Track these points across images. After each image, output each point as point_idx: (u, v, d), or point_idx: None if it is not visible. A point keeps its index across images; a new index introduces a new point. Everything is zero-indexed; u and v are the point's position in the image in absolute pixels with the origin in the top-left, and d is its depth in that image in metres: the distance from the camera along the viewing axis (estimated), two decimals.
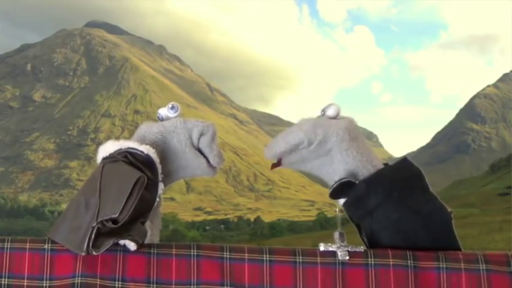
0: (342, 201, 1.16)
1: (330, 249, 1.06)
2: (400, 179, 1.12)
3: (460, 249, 1.10)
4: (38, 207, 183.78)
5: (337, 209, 1.14)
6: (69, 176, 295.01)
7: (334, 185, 1.13)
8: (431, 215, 1.10)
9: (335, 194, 1.14)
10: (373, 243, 1.12)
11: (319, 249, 1.07)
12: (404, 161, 1.16)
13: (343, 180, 1.12)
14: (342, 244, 1.07)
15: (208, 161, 1.18)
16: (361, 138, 1.18)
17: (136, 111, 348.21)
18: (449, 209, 1.11)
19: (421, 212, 1.10)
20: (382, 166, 1.16)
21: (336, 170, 1.15)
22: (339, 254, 1.05)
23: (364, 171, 1.14)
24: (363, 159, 1.14)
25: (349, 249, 1.06)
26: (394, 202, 1.09)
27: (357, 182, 1.12)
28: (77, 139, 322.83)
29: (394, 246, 1.08)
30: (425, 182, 1.12)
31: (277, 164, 1.21)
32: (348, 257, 1.04)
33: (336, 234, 1.08)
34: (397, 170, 1.14)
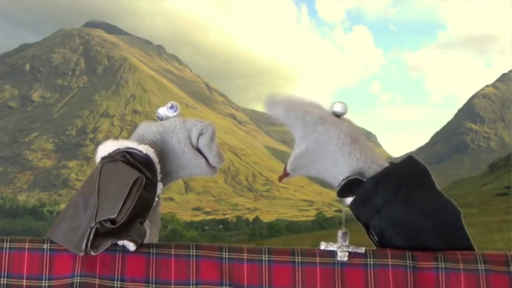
0: (348, 200, 1.15)
1: (331, 248, 1.06)
2: (407, 176, 1.12)
3: (470, 243, 1.10)
4: (36, 207, 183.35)
5: (343, 207, 1.12)
6: (67, 176, 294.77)
7: (342, 183, 1.13)
8: (440, 211, 1.10)
9: (342, 192, 1.14)
10: (383, 242, 1.11)
11: (318, 249, 1.07)
12: (410, 159, 1.16)
13: (351, 177, 1.12)
14: (344, 244, 1.06)
15: (207, 161, 1.17)
16: (362, 139, 1.18)
17: (135, 111, 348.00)
18: (458, 208, 1.11)
19: (429, 208, 1.09)
20: (387, 165, 1.16)
21: (340, 172, 1.15)
22: (339, 254, 1.05)
23: (370, 171, 1.14)
24: (367, 160, 1.14)
25: (350, 250, 1.05)
26: (403, 199, 1.09)
27: (364, 179, 1.12)
28: (76, 139, 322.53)
29: (404, 244, 1.07)
30: (432, 179, 1.13)
31: (284, 175, 1.21)
32: (346, 258, 1.04)
33: (339, 233, 1.07)
34: (404, 168, 1.14)
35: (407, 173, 1.12)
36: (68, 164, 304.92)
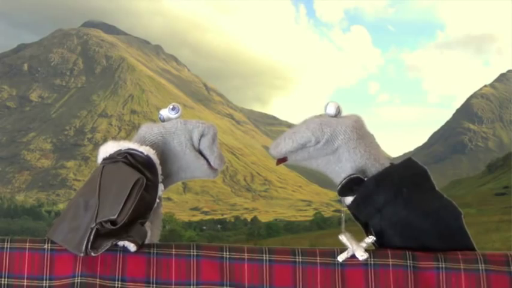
0: (348, 199, 1.15)
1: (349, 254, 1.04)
2: (408, 176, 1.12)
3: (471, 244, 1.10)
4: (34, 207, 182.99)
5: (342, 207, 1.13)
6: (65, 176, 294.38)
7: (343, 181, 1.13)
8: (440, 211, 1.10)
9: (343, 191, 1.14)
10: (382, 242, 1.11)
11: (318, 249, 1.06)
12: (409, 160, 1.17)
13: (352, 176, 1.12)
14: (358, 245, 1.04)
15: (208, 163, 1.17)
16: (368, 136, 1.18)
17: (133, 111, 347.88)
18: (459, 209, 1.10)
19: (429, 208, 1.09)
20: (389, 164, 1.16)
21: (343, 168, 1.15)
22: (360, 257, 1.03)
23: (373, 169, 1.14)
24: (370, 158, 1.14)
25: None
26: (403, 199, 1.09)
27: (365, 178, 1.12)
28: (74, 139, 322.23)
29: (404, 244, 1.07)
30: (431, 181, 1.13)
31: (283, 159, 1.19)
32: (366, 256, 1.03)
33: (346, 236, 1.06)
34: (404, 169, 1.14)
35: (408, 174, 1.12)
36: (66, 164, 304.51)
